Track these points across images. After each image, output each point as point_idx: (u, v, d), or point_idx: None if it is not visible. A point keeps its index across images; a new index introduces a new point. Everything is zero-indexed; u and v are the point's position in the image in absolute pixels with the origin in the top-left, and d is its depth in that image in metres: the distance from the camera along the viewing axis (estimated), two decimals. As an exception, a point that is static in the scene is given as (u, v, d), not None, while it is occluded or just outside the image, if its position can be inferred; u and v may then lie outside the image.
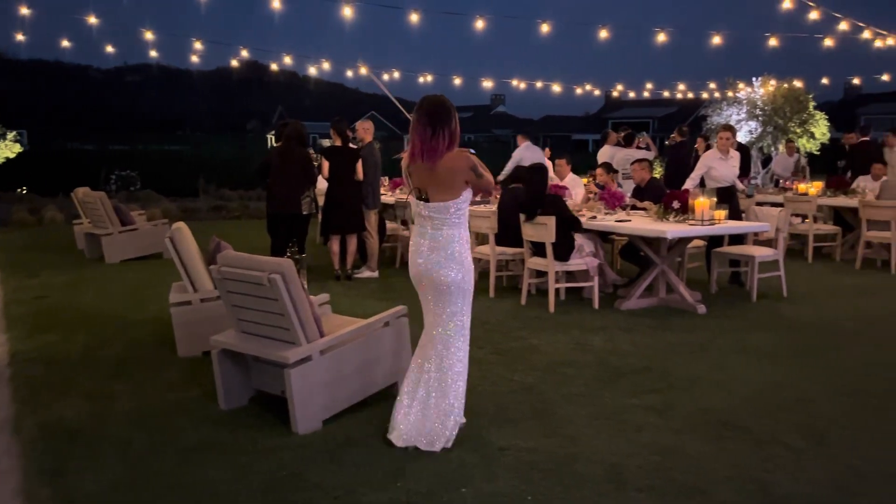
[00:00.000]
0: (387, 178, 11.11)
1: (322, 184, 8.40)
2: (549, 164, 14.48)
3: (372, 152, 8.32)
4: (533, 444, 3.70)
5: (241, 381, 4.29)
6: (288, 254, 4.57)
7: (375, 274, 8.39)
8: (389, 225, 9.55)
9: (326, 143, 8.35)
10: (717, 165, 7.98)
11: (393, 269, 8.94)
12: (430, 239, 3.68)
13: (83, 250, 10.13)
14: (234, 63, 14.99)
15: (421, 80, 14.81)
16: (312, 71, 14.65)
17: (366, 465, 3.50)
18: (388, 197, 9.74)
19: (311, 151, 8.73)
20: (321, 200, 8.44)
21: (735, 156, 8.28)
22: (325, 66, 14.18)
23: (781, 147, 15.82)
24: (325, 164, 7.98)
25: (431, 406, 3.70)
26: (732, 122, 16.25)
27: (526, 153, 10.86)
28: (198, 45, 12.81)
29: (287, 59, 14.44)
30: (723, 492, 3.20)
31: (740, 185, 8.43)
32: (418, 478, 3.36)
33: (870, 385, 4.60)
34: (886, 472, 3.38)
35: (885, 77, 16.27)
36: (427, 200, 3.65)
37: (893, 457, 3.55)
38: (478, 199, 6.38)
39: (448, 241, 3.65)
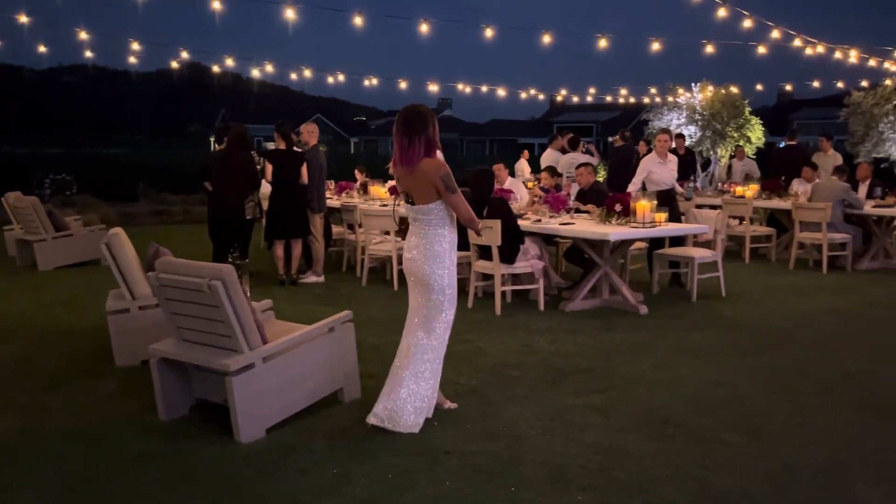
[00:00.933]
0: (332, 181, 11.03)
1: (266, 188, 8.29)
2: (526, 167, 14.67)
3: (317, 155, 8.25)
4: (478, 447, 3.72)
5: (181, 391, 4.19)
6: (230, 259, 4.49)
7: (321, 279, 8.31)
8: (336, 229, 9.48)
9: (271, 146, 8.24)
10: (657, 169, 8.16)
11: (339, 274, 8.87)
12: (418, 237, 3.98)
13: (14, 257, 9.76)
14: (174, 65, 14.65)
15: (366, 83, 14.73)
16: (256, 73, 14.42)
17: (310, 473, 3.46)
18: (334, 201, 9.67)
19: (255, 155, 8.61)
20: (265, 204, 8.32)
21: (673, 160, 8.48)
22: (269, 68, 13.99)
23: (722, 151, 16.27)
24: (269, 168, 7.88)
25: (404, 390, 3.92)
26: (673, 127, 16.66)
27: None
28: (135, 46, 12.48)
29: (229, 62, 14.20)
30: (663, 489, 3.27)
31: (679, 189, 8.64)
32: (363, 484, 3.34)
33: (802, 382, 4.77)
34: (817, 467, 3.50)
35: (815, 83, 16.92)
36: (413, 203, 3.93)
37: (824, 451, 3.68)
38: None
39: (434, 239, 3.93)
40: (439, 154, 3.99)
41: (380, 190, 9.89)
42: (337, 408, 4.28)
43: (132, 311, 5.05)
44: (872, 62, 13.42)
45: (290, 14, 9.67)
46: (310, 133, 8.39)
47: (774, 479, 3.37)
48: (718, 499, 3.19)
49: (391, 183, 10.56)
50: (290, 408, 4.02)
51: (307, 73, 14.55)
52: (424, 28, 10.80)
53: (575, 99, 19.06)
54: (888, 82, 14.37)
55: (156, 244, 4.74)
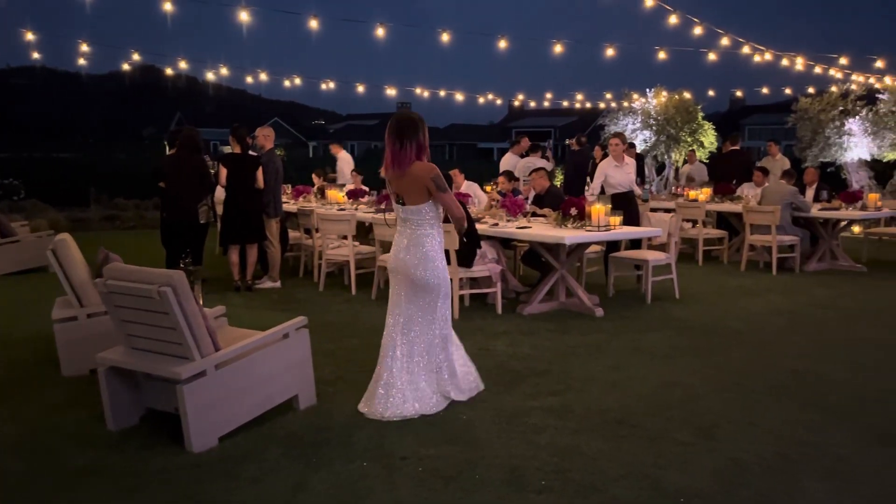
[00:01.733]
0: (289, 185, 10.93)
1: (220, 192, 8.17)
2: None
3: (273, 160, 8.16)
4: (434, 451, 3.71)
5: (131, 400, 4.09)
6: (182, 265, 4.40)
7: (277, 284, 8.21)
8: (292, 234, 9.38)
9: (228, 150, 8.13)
10: (613, 173, 8.29)
11: (296, 280, 8.79)
12: (407, 238, 4.19)
13: (-42, 265, 9.43)
14: (126, 67, 14.36)
15: (323, 86, 14.63)
16: (211, 77, 14.20)
17: (264, 481, 3.41)
18: (290, 205, 9.57)
19: (208, 158, 8.49)
20: (220, 209, 8.20)
21: (630, 162, 8.62)
22: (224, 71, 13.79)
23: (676, 155, 16.55)
24: (223, 172, 7.77)
25: (396, 381, 4.17)
26: (628, 132, 16.90)
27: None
28: (84, 48, 12.18)
29: (183, 64, 13.96)
30: (617, 489, 3.31)
31: (638, 191, 8.77)
32: (318, 491, 3.31)
33: (752, 381, 4.87)
34: (765, 464, 3.58)
35: (764, 90, 17.39)
36: (403, 204, 4.15)
37: (772, 449, 3.76)
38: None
39: (423, 238, 4.15)
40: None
41: (337, 194, 9.83)
42: (292, 415, 4.23)
43: (80, 318, 4.92)
44: (818, 69, 13.84)
45: (244, 17, 9.55)
46: (265, 137, 8.30)
47: (724, 476, 3.43)
48: (670, 497, 3.23)
49: (349, 187, 10.51)
50: (243, 415, 3.96)
51: (263, 77, 14.39)
52: (381, 32, 10.78)
53: (532, 104, 19.24)
54: (834, 89, 14.80)
55: (105, 250, 4.63)
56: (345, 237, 8.11)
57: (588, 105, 18.87)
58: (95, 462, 3.65)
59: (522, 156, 12.03)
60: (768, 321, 6.66)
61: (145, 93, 66.10)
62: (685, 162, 15.30)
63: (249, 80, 14.73)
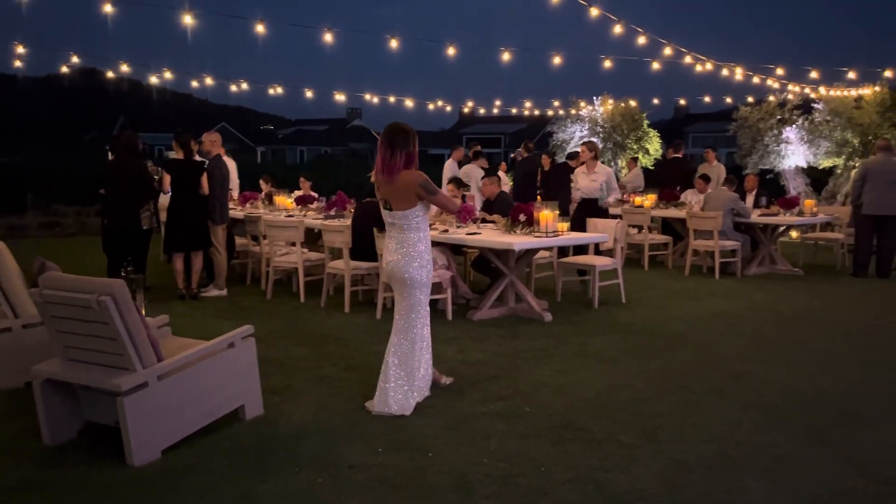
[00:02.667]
0: (236, 191, 10.77)
1: (164, 198, 8.00)
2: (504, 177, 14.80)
3: (220, 165, 8.02)
4: (383, 460, 3.69)
5: (68, 413, 3.97)
6: (123, 273, 4.30)
7: (223, 292, 8.07)
8: (239, 241, 9.23)
9: (173, 155, 7.97)
10: (579, 179, 8.73)
11: (243, 287, 8.65)
12: (396, 242, 4.43)
13: None
14: (65, 69, 13.94)
15: (271, 91, 14.46)
16: (155, 80, 13.89)
17: (209, 493, 3.34)
18: (237, 212, 9.43)
19: (150, 163, 8.31)
20: (164, 215, 8.03)
21: (601, 170, 8.89)
22: (168, 75, 13.50)
23: (622, 162, 16.86)
24: (167, 178, 7.61)
25: (392, 379, 4.38)
26: (576, 139, 17.17)
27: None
28: (21, 50, 11.79)
29: (124, 68, 13.64)
30: (564, 493, 3.34)
31: (608, 197, 9.03)
32: (265, 502, 3.26)
33: (695, 383, 4.99)
34: (707, 464, 3.66)
35: (706, 98, 17.86)
36: (391, 209, 4.38)
37: (714, 449, 3.85)
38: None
39: (411, 242, 4.39)
40: None
41: (285, 200, 9.72)
42: (238, 425, 4.16)
43: (14, 329, 4.76)
44: (756, 79, 14.29)
45: (188, 20, 9.39)
46: (212, 142, 8.16)
47: (668, 477, 3.50)
48: (615, 499, 3.28)
49: (298, 193, 10.40)
50: (187, 427, 3.88)
51: (209, 81, 14.13)
52: (329, 38, 10.71)
53: (482, 111, 19.37)
54: (772, 99, 15.31)
55: (41, 258, 4.48)
56: (293, 244, 8.03)
57: (536, 112, 19.09)
58: (31, 478, 3.52)
59: (461, 163, 12.17)
60: (711, 324, 6.83)
61: (86, 96, 64.22)
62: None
63: (195, 83, 14.40)
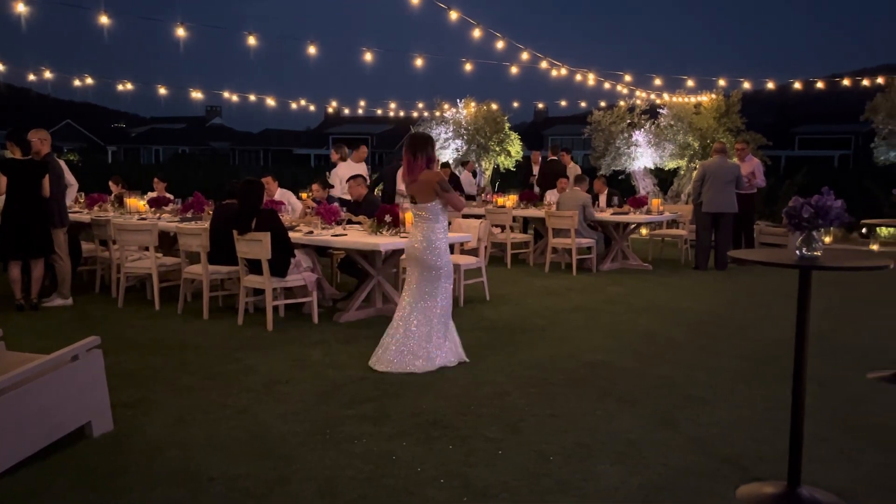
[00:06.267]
0: (82, 193, 10.08)
1: (-2, 201, 7.32)
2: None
3: (53, 165, 7.43)
4: (245, 470, 3.57)
5: None
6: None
7: (69, 301, 7.51)
8: (86, 246, 8.63)
9: (9, 155, 7.30)
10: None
11: (91, 296, 8.10)
12: (420, 231, 5.30)
13: None
14: None
15: (120, 87, 13.61)
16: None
17: (51, 520, 3.10)
18: (84, 215, 8.81)
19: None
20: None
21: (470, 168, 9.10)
22: (0, 67, 12.39)
23: (486, 164, 17.31)
24: (3, 180, 6.98)
25: (413, 340, 5.25)
26: (441, 141, 17.41)
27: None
28: None
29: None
30: (429, 491, 3.38)
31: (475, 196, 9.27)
32: (115, 525, 3.06)
33: (553, 375, 5.20)
34: (565, 453, 3.83)
35: (563, 103, 18.70)
36: (416, 202, 5.28)
37: (571, 438, 4.03)
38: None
39: (431, 231, 5.28)
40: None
41: (138, 202, 9.19)
42: (84, 443, 3.88)
43: None
44: (607, 85, 15.12)
45: (21, 8, 8.65)
46: (41, 141, 7.43)
47: (529, 468, 3.63)
48: (480, 493, 3.36)
49: (151, 194, 9.86)
50: (25, 449, 3.57)
51: (48, 75, 13.09)
52: (181, 32, 10.22)
53: (346, 111, 19.22)
54: (622, 104, 16.25)
55: None
56: (146, 248, 7.60)
57: (402, 113, 19.19)
58: None
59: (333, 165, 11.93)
60: (569, 318, 7.14)
61: None
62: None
63: (32, 77, 13.24)
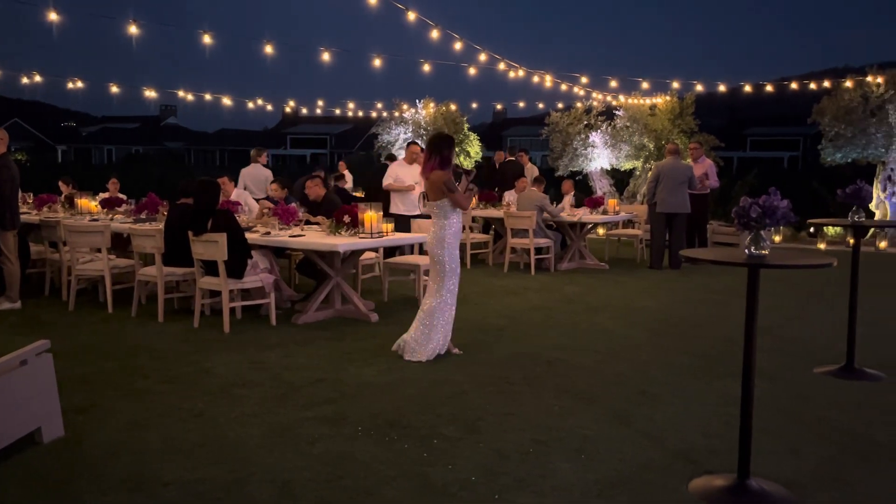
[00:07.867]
0: (31, 193, 9.82)
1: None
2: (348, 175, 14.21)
3: (8, 165, 7.24)
4: (201, 475, 3.53)
5: None
6: None
7: (17, 305, 7.31)
8: (34, 248, 8.40)
9: None
10: (400, 172, 9.24)
11: (41, 299, 7.90)
12: (434, 226, 5.62)
13: None
14: None
15: (70, 85, 13.28)
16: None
17: (-1, 529, 3.02)
18: (33, 216, 8.59)
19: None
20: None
21: (417, 166, 9.16)
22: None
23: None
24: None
25: (420, 331, 5.60)
26: (400, 141, 17.40)
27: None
28: None
29: None
30: (388, 491, 3.39)
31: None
32: (66, 532, 3.00)
33: (511, 373, 5.25)
34: (523, 450, 3.87)
35: (521, 104, 18.84)
36: (428, 199, 5.60)
37: (528, 436, 4.08)
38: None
39: (441, 227, 5.56)
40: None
41: (89, 203, 8.99)
42: (34, 450, 3.79)
43: None
44: (564, 87, 15.31)
45: (-34, 3, 8.38)
46: (-1, 140, 7.32)
47: (487, 466, 3.66)
48: (438, 492, 3.38)
49: (103, 195, 9.66)
50: (-28, 457, 3.47)
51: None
52: (134, 30, 10.02)
53: (304, 111, 19.07)
54: (579, 105, 16.45)
55: None
56: (98, 250, 7.44)
57: (361, 114, 19.12)
58: None
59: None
60: (527, 317, 7.21)
61: None
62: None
63: (-22, 74, 12.83)
